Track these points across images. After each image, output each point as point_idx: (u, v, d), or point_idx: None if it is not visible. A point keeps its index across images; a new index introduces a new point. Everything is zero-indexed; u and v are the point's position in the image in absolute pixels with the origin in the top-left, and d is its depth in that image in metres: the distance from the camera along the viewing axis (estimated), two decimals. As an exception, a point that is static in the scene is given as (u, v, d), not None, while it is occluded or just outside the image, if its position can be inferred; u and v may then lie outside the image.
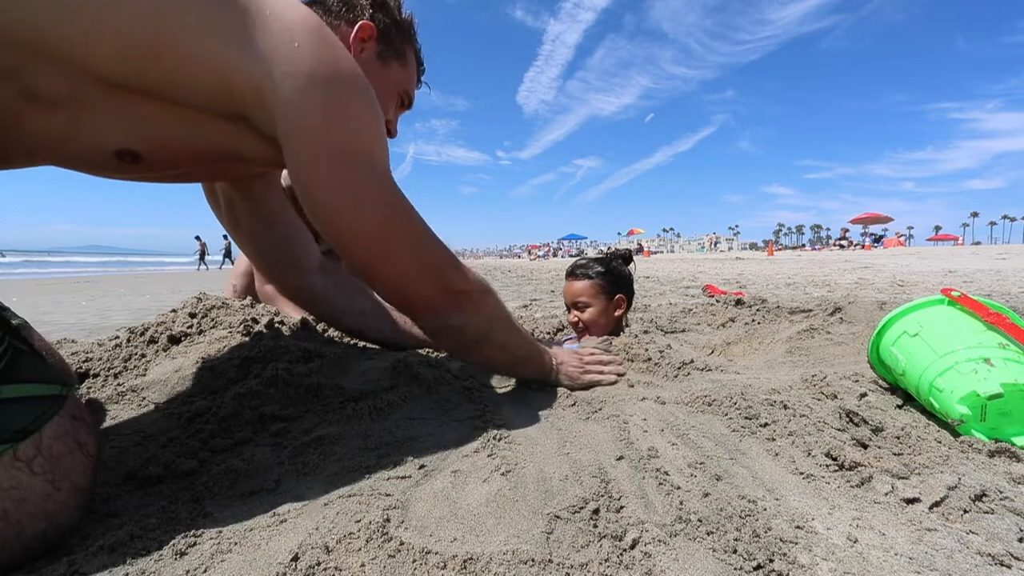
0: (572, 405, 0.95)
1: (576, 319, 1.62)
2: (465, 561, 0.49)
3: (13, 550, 0.52)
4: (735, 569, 0.49)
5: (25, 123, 0.64)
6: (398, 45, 1.02)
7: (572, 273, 1.67)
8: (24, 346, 0.60)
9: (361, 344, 1.37)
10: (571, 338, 1.65)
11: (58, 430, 0.57)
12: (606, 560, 0.49)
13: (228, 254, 22.72)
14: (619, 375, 1.10)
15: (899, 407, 0.90)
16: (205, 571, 0.50)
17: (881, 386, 0.97)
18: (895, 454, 0.72)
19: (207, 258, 22.80)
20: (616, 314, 1.63)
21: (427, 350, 1.34)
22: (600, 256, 1.71)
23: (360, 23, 0.96)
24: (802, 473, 0.67)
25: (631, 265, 1.73)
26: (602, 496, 0.59)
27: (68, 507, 0.56)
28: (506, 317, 0.95)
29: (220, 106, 0.69)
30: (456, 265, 0.86)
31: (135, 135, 0.70)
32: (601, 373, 1.09)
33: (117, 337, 1.34)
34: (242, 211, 1.11)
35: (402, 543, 0.51)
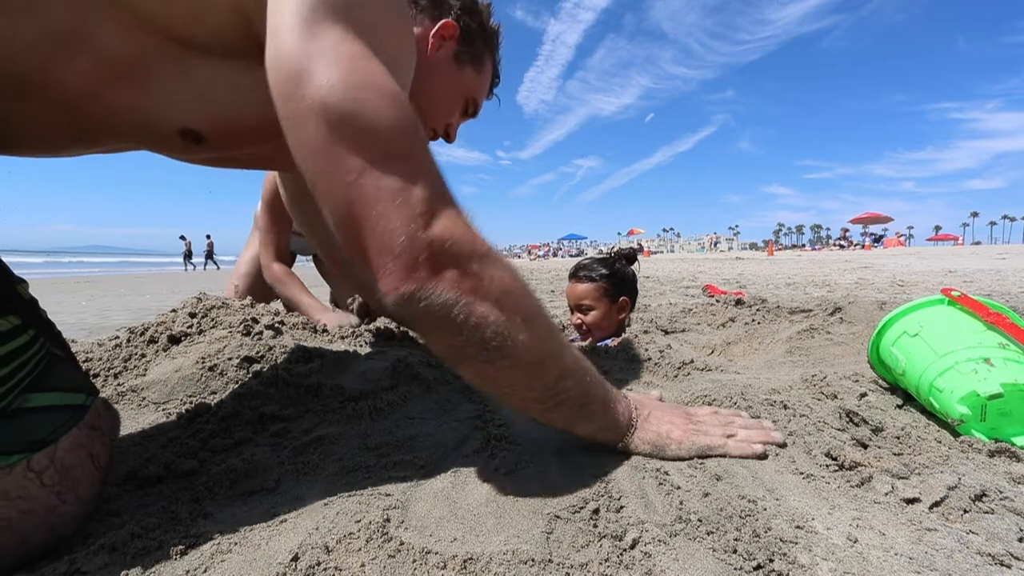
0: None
1: (579, 321, 1.62)
2: (465, 561, 0.49)
3: (15, 559, 0.52)
4: (735, 569, 0.49)
5: (103, 96, 0.63)
6: (478, 51, 1.00)
7: (576, 275, 1.66)
8: (61, 352, 0.59)
9: (361, 344, 1.37)
10: (573, 339, 1.65)
11: (74, 442, 0.56)
12: (606, 560, 0.49)
13: (211, 255, 22.48)
14: (772, 443, 0.72)
15: (899, 407, 0.90)
16: (205, 571, 0.50)
17: (881, 386, 0.97)
18: (895, 454, 0.72)
19: (193, 259, 22.56)
20: (620, 316, 1.63)
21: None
22: (604, 256, 1.70)
23: (443, 21, 0.93)
24: (802, 473, 0.67)
25: (635, 264, 1.73)
26: (602, 496, 0.59)
27: (71, 518, 0.55)
28: (545, 319, 0.62)
29: (244, 44, 0.62)
30: (445, 207, 0.56)
31: (197, 113, 0.69)
32: (730, 437, 0.71)
33: (117, 337, 1.34)
34: (308, 201, 1.05)
35: (402, 543, 0.51)
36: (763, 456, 0.69)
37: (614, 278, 1.62)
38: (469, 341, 0.55)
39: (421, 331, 0.59)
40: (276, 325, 1.30)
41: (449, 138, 1.05)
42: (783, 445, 0.72)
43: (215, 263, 22.23)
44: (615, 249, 1.80)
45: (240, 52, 0.64)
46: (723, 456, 0.69)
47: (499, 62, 1.07)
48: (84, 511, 0.58)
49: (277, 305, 1.87)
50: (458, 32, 0.95)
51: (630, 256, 1.72)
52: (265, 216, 1.86)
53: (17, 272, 0.61)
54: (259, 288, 2.01)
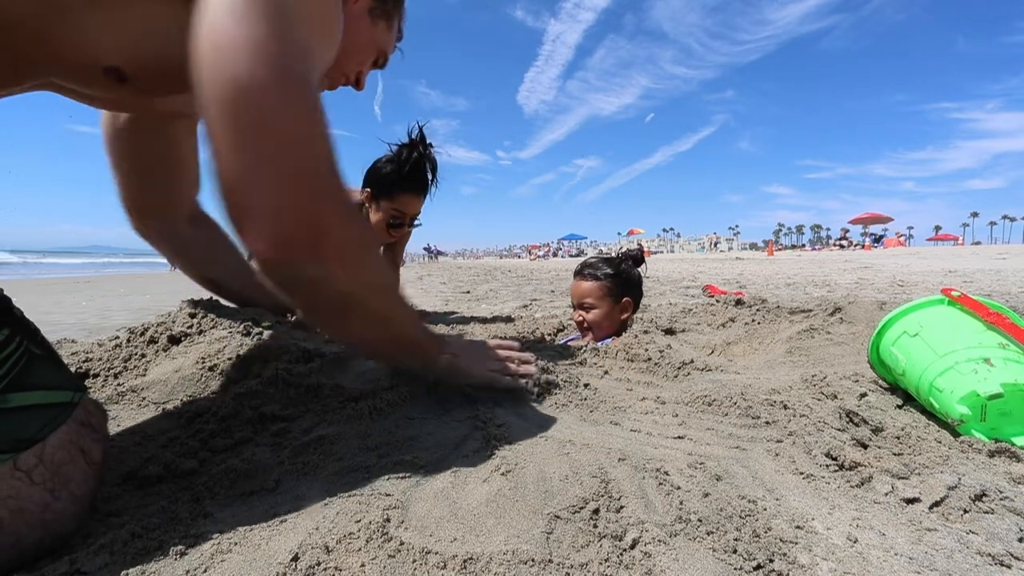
0: (572, 405, 0.95)
1: (581, 318, 1.62)
2: (465, 561, 0.49)
3: (9, 560, 0.51)
4: (735, 569, 0.49)
5: (31, 26, 0.65)
6: (390, 8, 1.08)
7: (580, 272, 1.66)
8: (40, 350, 0.59)
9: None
10: (574, 338, 1.65)
11: (63, 438, 0.56)
12: (606, 560, 0.49)
13: None
14: (530, 377, 0.94)
15: (899, 407, 0.90)
16: (205, 571, 0.50)
17: (881, 386, 0.97)
18: (895, 454, 0.72)
19: None
20: (622, 317, 1.63)
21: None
22: (610, 256, 1.71)
23: None
24: (802, 473, 0.67)
25: (642, 266, 1.73)
26: (602, 496, 0.59)
27: (66, 517, 0.55)
28: (388, 287, 0.79)
29: None
30: (340, 197, 0.65)
31: (125, 52, 0.71)
32: (504, 372, 0.93)
33: (117, 337, 1.34)
34: (144, 142, 1.12)
35: (402, 543, 0.51)
36: (520, 386, 0.92)
37: (619, 278, 1.62)
38: (328, 301, 0.70)
39: (282, 292, 0.67)
40: (276, 325, 1.30)
41: (359, 86, 1.15)
42: (532, 364, 0.96)
43: None
44: (623, 249, 1.80)
45: None
46: (491, 387, 0.91)
47: (404, 19, 1.18)
48: (81, 508, 0.57)
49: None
50: None
51: (637, 257, 1.72)
52: None
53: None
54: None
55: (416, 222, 2.16)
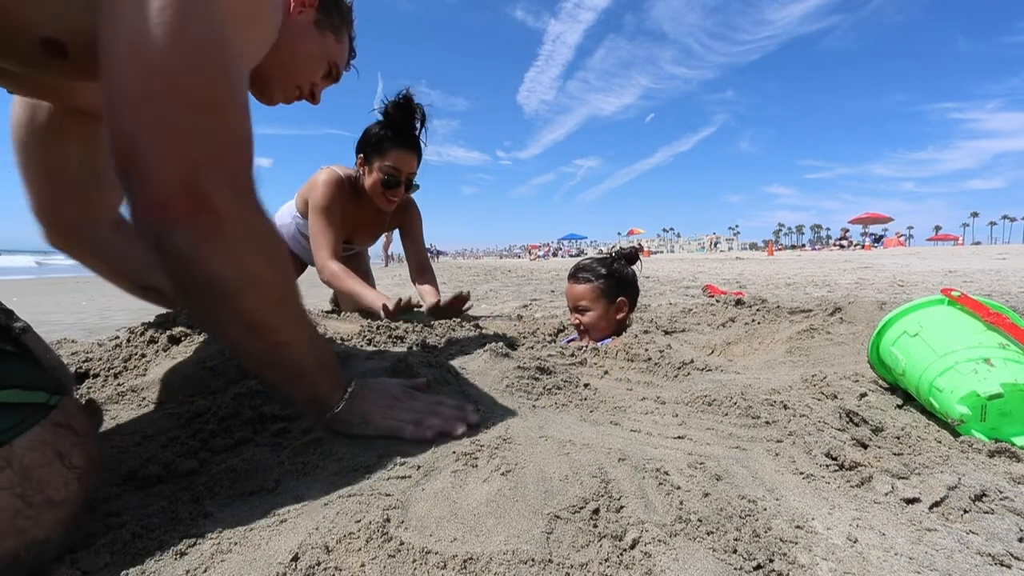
0: (573, 405, 0.95)
1: (577, 321, 1.62)
2: (465, 561, 0.49)
3: None
4: (735, 569, 0.49)
5: None
6: (336, 21, 1.12)
7: (574, 275, 1.66)
8: (13, 348, 0.57)
9: (362, 344, 1.37)
10: (573, 338, 1.65)
11: (34, 440, 0.52)
12: (606, 560, 0.49)
13: None
14: (447, 432, 0.77)
15: (899, 407, 0.90)
16: (205, 571, 0.50)
17: (881, 386, 0.97)
18: (895, 454, 0.72)
19: None
20: (618, 317, 1.63)
21: (425, 350, 1.34)
22: (603, 257, 1.70)
23: None
24: (802, 473, 0.67)
25: (636, 264, 1.72)
26: (602, 496, 0.59)
27: (43, 523, 0.52)
28: (274, 289, 0.68)
29: None
30: (230, 168, 0.62)
31: (61, 22, 0.68)
32: (416, 422, 0.78)
33: (117, 337, 1.34)
34: (61, 146, 1.06)
35: (402, 543, 0.51)
36: (430, 440, 0.75)
37: (611, 279, 1.62)
38: (197, 284, 0.62)
39: (162, 266, 0.63)
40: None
41: (314, 99, 1.17)
42: (461, 435, 0.76)
43: None
44: (616, 249, 1.80)
45: None
46: (399, 438, 0.75)
47: (354, 38, 1.23)
48: (63, 514, 0.54)
49: None
50: (316, 1, 1.06)
51: (631, 256, 1.72)
52: (321, 218, 1.98)
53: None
54: None
55: (414, 183, 2.12)
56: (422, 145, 2.05)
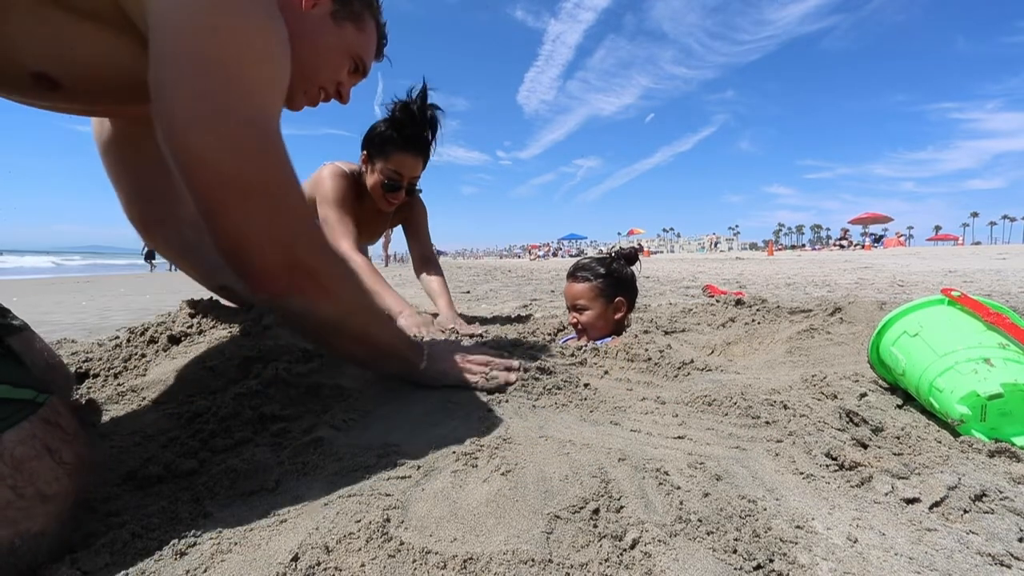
0: (572, 405, 0.95)
1: (575, 320, 1.62)
2: (465, 561, 0.49)
3: None
4: (735, 569, 0.49)
5: None
6: (355, 7, 1.02)
7: (572, 275, 1.66)
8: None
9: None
10: (571, 338, 1.65)
11: (23, 434, 0.54)
12: (606, 560, 0.49)
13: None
14: (507, 382, 0.98)
15: (899, 407, 0.90)
16: (205, 571, 0.50)
17: (881, 386, 0.97)
18: (895, 454, 0.72)
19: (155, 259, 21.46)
20: (616, 316, 1.63)
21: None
22: (602, 256, 1.70)
23: None
24: (802, 473, 0.67)
25: (636, 264, 1.72)
26: (602, 496, 0.59)
27: (35, 516, 0.53)
28: (367, 307, 0.88)
29: (113, 14, 0.67)
30: (311, 235, 0.76)
31: (52, 59, 0.70)
32: (478, 373, 0.98)
33: (117, 337, 1.34)
34: (132, 151, 1.10)
35: (402, 543, 0.51)
36: (501, 388, 0.97)
37: (610, 278, 1.61)
38: (315, 326, 0.83)
39: (276, 314, 0.82)
40: (276, 325, 1.30)
41: (341, 98, 1.09)
42: (515, 372, 1.00)
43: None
44: (615, 248, 1.79)
45: (104, 17, 0.68)
46: (475, 388, 0.97)
47: (384, 24, 1.12)
48: (55, 507, 0.55)
49: None
50: None
51: (630, 256, 1.71)
52: (335, 209, 1.91)
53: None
54: None
55: (417, 188, 2.06)
56: (431, 148, 1.96)
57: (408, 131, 1.90)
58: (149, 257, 20.26)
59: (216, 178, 0.67)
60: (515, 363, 1.02)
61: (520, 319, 2.25)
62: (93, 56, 0.71)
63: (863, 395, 0.91)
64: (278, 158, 0.71)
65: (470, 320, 2.13)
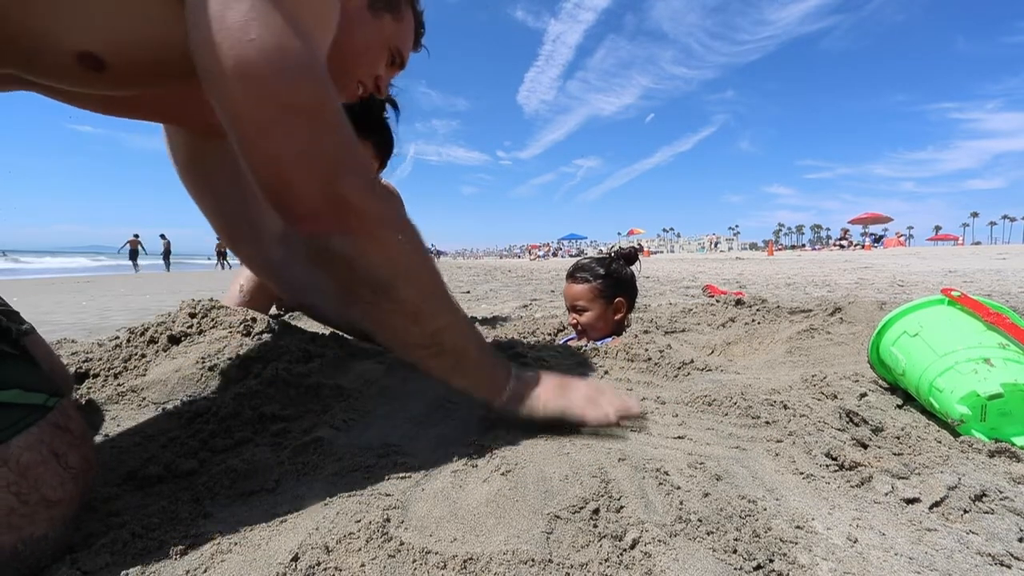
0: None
1: (575, 321, 1.62)
2: (465, 561, 0.49)
3: None
4: (735, 569, 0.49)
5: None
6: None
7: (572, 275, 1.66)
8: (12, 349, 0.58)
9: (361, 344, 1.37)
10: (572, 338, 1.65)
11: (31, 440, 0.53)
12: (606, 560, 0.49)
13: (167, 255, 21.23)
14: (629, 414, 0.78)
15: (899, 407, 0.90)
16: (205, 571, 0.50)
17: (881, 386, 0.97)
18: (895, 454, 0.72)
19: (140, 259, 20.34)
20: (616, 317, 1.63)
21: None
22: (602, 256, 1.70)
23: None
24: (802, 473, 0.67)
25: (635, 264, 1.72)
26: (602, 496, 0.59)
27: (39, 521, 0.53)
28: (427, 280, 0.72)
29: None
30: (358, 170, 0.67)
31: (101, 36, 0.66)
32: (598, 406, 0.78)
33: (117, 337, 1.34)
34: (207, 168, 1.08)
35: (402, 543, 0.51)
36: (615, 423, 0.76)
37: (609, 279, 1.61)
38: (359, 282, 0.68)
39: (322, 268, 0.69)
40: (276, 326, 1.30)
41: (380, 92, 1.04)
42: (642, 416, 0.79)
43: (168, 266, 20.87)
44: (615, 249, 1.79)
45: None
46: (581, 422, 0.76)
47: (422, 12, 1.07)
48: (59, 513, 0.54)
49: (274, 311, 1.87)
50: None
51: (629, 256, 1.71)
52: None
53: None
54: (263, 293, 2.00)
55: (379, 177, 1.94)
56: (390, 134, 1.83)
57: (362, 117, 1.86)
58: (132, 257, 20.16)
59: (257, 91, 0.61)
60: (633, 399, 0.82)
61: (520, 319, 2.25)
62: (141, 29, 0.67)
63: (863, 395, 0.91)
64: (323, 80, 0.66)
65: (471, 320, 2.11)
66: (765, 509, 0.59)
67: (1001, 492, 0.62)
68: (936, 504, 0.60)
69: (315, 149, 0.64)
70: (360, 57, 0.96)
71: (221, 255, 20.89)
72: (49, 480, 0.54)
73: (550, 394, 0.78)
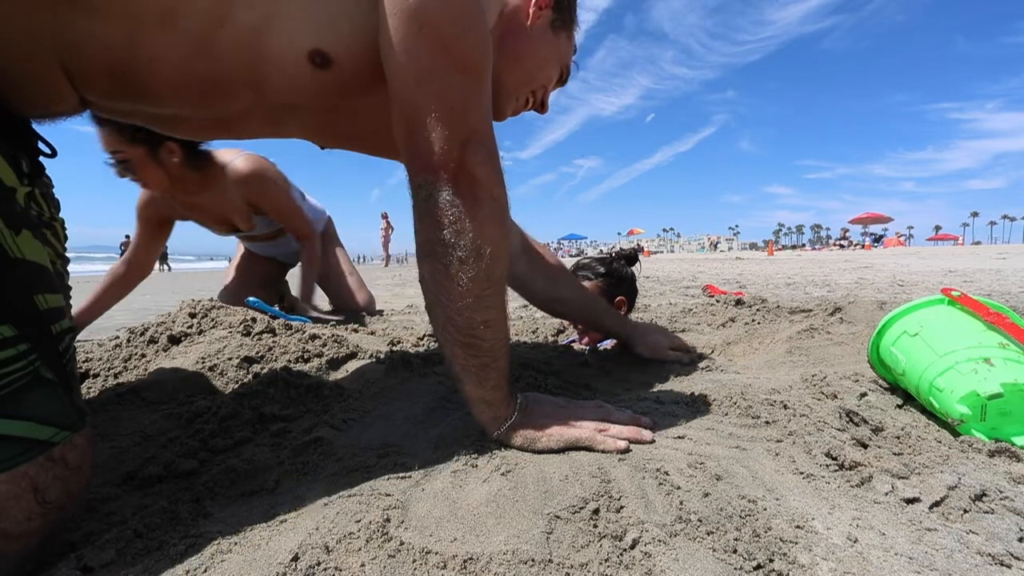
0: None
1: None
2: (465, 561, 0.49)
3: None
4: (735, 569, 0.49)
5: (227, 21, 0.65)
6: (568, 17, 0.99)
7: (573, 275, 1.66)
8: (51, 375, 0.56)
9: (361, 344, 1.37)
10: (573, 340, 1.65)
11: (14, 473, 0.51)
12: (606, 560, 0.49)
13: (164, 257, 20.90)
14: (640, 441, 0.75)
15: (899, 407, 0.90)
16: (205, 571, 0.50)
17: (881, 386, 0.97)
18: (895, 454, 0.72)
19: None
20: None
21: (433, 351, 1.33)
22: (602, 256, 1.70)
23: None
24: (802, 473, 0.67)
25: (636, 264, 1.72)
26: (602, 496, 0.59)
27: None
28: (502, 274, 0.73)
29: None
30: (487, 143, 0.71)
31: (328, 32, 0.70)
32: (602, 431, 0.75)
33: (117, 337, 1.34)
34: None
35: (402, 543, 0.51)
36: (626, 450, 0.72)
37: (610, 278, 1.62)
38: (442, 242, 0.68)
39: (418, 213, 0.71)
40: (275, 326, 1.30)
41: (543, 108, 1.06)
42: (651, 441, 0.75)
43: (168, 266, 20.79)
44: (615, 249, 1.79)
45: None
46: (590, 449, 0.72)
47: (577, 26, 1.09)
48: (17, 547, 0.52)
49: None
50: (552, 0, 0.95)
51: (630, 257, 1.72)
52: (292, 198, 1.98)
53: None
54: (248, 289, 2.02)
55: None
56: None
57: None
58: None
59: (431, 39, 0.65)
60: (645, 420, 0.80)
61: (520, 319, 2.25)
62: (358, 18, 0.69)
63: (863, 395, 0.91)
64: (489, 49, 0.70)
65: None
66: (765, 509, 0.59)
67: (1001, 492, 0.62)
68: (936, 504, 0.60)
69: (461, 110, 0.68)
70: (540, 72, 1.00)
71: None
72: (15, 515, 0.52)
73: (557, 424, 0.75)
